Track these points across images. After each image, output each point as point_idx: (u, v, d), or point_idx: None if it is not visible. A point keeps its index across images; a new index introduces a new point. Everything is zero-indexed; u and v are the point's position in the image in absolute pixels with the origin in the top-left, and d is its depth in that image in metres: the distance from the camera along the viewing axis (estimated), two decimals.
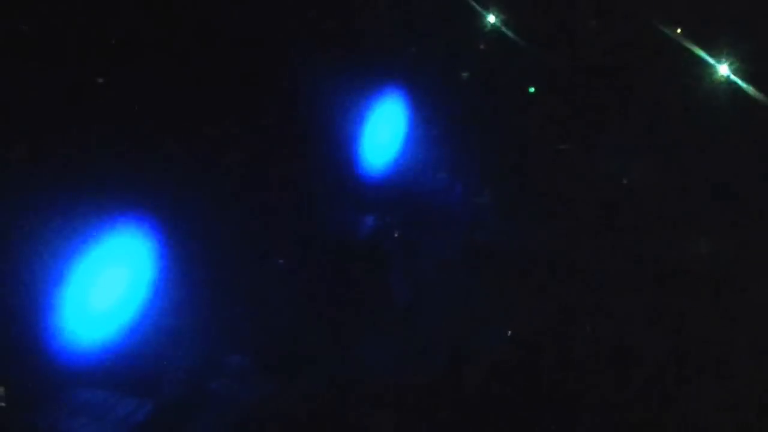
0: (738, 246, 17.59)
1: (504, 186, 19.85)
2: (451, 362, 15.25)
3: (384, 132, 18.37)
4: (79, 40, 15.49)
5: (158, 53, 15.92)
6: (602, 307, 16.53)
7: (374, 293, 16.45)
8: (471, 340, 15.69)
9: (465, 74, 20.30)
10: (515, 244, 18.38)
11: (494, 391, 14.52)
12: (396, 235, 17.99)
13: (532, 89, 20.44)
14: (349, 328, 15.44)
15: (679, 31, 19.19)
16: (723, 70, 18.65)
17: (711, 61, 18.75)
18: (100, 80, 16.21)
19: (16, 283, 12.52)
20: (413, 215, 18.35)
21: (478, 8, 20.42)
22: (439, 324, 16.19)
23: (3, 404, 12.34)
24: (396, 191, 18.45)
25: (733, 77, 18.62)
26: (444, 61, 19.79)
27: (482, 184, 19.79)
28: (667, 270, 17.24)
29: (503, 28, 20.42)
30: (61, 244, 12.72)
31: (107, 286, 12.91)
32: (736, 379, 14.90)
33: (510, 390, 14.57)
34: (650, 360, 15.36)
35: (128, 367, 13.11)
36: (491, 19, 20.46)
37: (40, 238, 12.81)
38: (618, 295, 16.78)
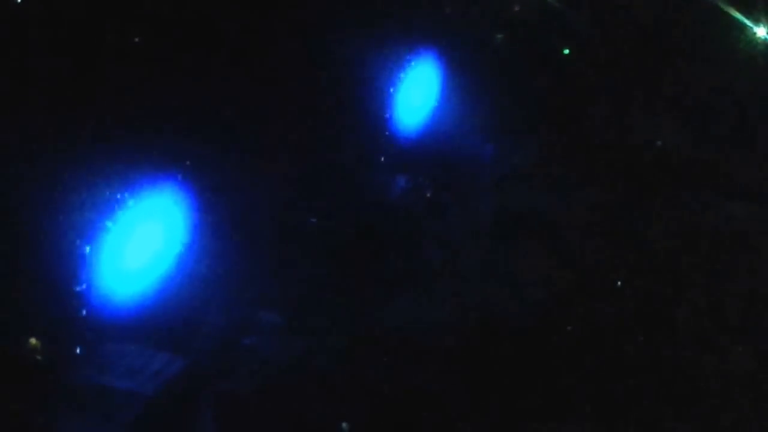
0: None
1: (537, 150, 19.76)
2: (479, 325, 15.28)
3: (416, 93, 18.29)
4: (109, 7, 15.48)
5: (185, 14, 15.89)
6: (634, 272, 16.47)
7: (405, 255, 16.50)
8: (501, 304, 15.71)
9: (499, 36, 20.15)
10: (547, 209, 18.33)
11: (522, 356, 14.53)
12: (428, 196, 17.99)
13: (566, 51, 20.28)
14: (379, 288, 15.51)
15: None
16: (761, 32, 18.42)
17: (749, 23, 18.51)
18: (136, 39, 16.23)
19: (50, 239, 12.65)
20: (445, 177, 18.33)
21: None
22: (469, 287, 16.22)
23: (39, 357, 12.53)
24: (428, 153, 18.41)
25: None
26: (478, 22, 19.65)
27: (515, 148, 19.71)
28: (703, 235, 17.16)
29: None
30: (94, 199, 12.81)
31: (141, 244, 12.98)
32: None
33: (538, 355, 14.57)
34: (684, 326, 15.30)
35: (162, 323, 13.24)
36: None
37: (73, 193, 12.90)
38: (650, 259, 16.73)
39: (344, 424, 12.96)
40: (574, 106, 19.80)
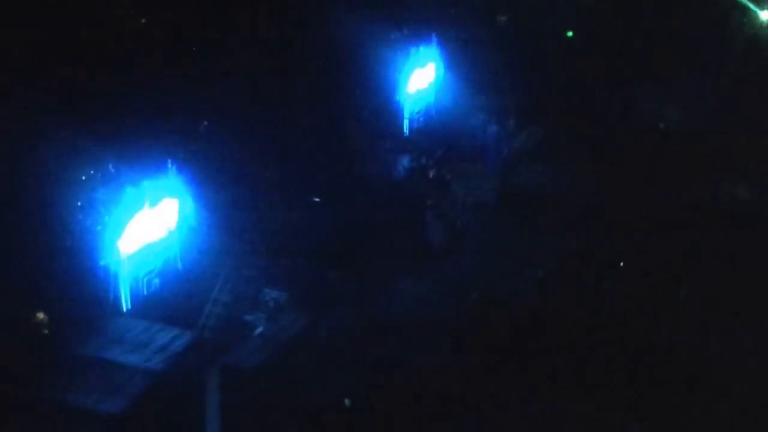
0: None
1: (539, 130, 19.87)
2: (482, 302, 15.41)
3: (421, 75, 18.43)
4: None
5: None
6: (634, 250, 16.56)
7: (408, 234, 16.63)
8: (503, 282, 15.82)
9: (503, 18, 20.23)
10: (549, 188, 18.44)
11: (524, 331, 14.62)
12: (431, 176, 18.11)
13: (570, 33, 20.34)
14: (383, 267, 15.65)
15: None
16: (765, 15, 18.47)
17: (752, 6, 18.57)
18: (143, 20, 16.31)
19: (61, 218, 12.80)
20: (448, 158, 18.46)
21: None
22: (471, 265, 16.35)
23: (46, 331, 12.76)
24: (432, 134, 18.56)
25: None
26: (482, 4, 19.72)
27: (517, 128, 19.82)
28: (702, 213, 17.24)
29: None
30: (108, 183, 12.95)
31: (152, 224, 13.12)
32: None
33: (539, 331, 14.67)
34: (683, 302, 15.36)
35: (169, 300, 13.41)
36: None
37: (87, 176, 13.04)
38: (651, 237, 16.80)
39: (346, 400, 13.13)
40: (576, 89, 19.86)
